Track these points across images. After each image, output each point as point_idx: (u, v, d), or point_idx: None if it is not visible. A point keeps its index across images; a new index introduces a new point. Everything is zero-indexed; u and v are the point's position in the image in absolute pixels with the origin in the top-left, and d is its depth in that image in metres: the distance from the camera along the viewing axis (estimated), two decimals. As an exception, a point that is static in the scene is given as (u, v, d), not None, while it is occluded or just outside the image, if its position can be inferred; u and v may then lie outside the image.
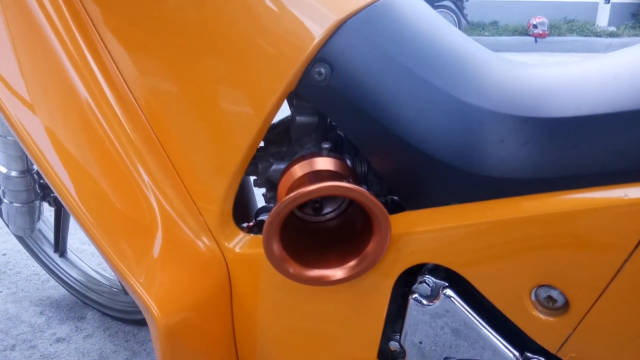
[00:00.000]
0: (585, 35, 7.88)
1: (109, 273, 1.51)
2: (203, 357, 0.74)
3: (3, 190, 1.11)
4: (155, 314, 0.65)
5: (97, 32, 0.69)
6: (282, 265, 0.59)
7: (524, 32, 7.97)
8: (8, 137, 1.01)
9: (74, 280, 1.46)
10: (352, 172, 0.65)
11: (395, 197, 0.68)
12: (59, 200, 1.18)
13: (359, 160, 0.68)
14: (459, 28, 7.45)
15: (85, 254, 1.72)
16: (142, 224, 0.69)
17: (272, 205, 0.76)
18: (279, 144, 0.73)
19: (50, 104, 0.68)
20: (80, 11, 0.69)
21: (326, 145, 0.64)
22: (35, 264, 1.67)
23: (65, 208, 0.67)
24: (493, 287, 0.56)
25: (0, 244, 1.83)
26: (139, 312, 1.33)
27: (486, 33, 8.27)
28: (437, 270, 0.61)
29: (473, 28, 8.37)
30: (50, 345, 1.33)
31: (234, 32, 0.61)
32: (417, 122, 0.58)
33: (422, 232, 0.59)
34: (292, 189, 0.63)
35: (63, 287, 1.50)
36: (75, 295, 1.48)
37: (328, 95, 0.60)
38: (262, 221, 0.83)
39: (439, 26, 0.67)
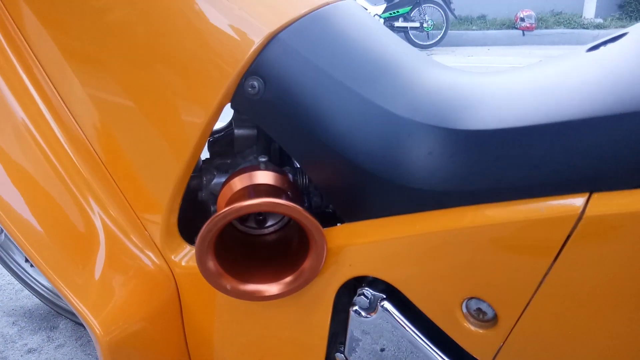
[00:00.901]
0: (573, 28, 7.89)
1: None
2: None
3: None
4: (98, 332, 0.64)
5: (28, 44, 0.68)
6: (217, 280, 0.59)
7: (512, 25, 7.98)
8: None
9: (45, 290, 1.45)
10: (291, 184, 0.65)
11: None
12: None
13: (300, 171, 0.68)
14: (447, 23, 7.46)
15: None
16: (82, 240, 0.68)
17: (212, 211, 0.76)
18: (223, 156, 0.73)
19: None
20: (9, 25, 0.68)
21: (263, 159, 0.64)
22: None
23: (4, 228, 0.66)
24: (426, 299, 0.57)
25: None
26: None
27: (474, 27, 8.27)
28: (377, 283, 0.61)
29: (461, 22, 8.37)
30: (21, 356, 1.33)
31: (171, 45, 0.61)
32: (349, 135, 0.58)
33: (358, 244, 0.59)
34: (230, 202, 0.63)
35: (35, 296, 1.49)
36: (47, 305, 1.47)
37: (262, 109, 0.60)
38: None
39: (375, 35, 0.67)
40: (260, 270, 0.63)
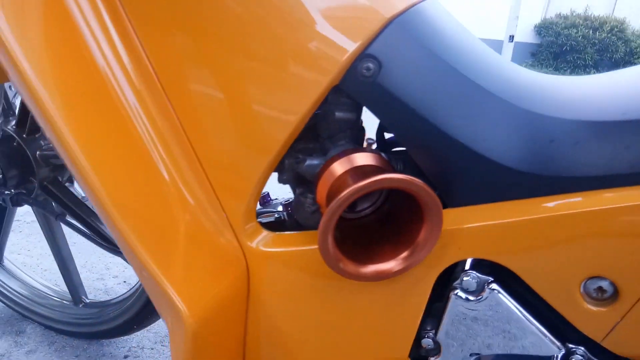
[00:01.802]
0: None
1: (54, 285, 1.39)
2: (219, 357, 0.70)
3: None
4: (184, 312, 0.60)
5: (129, 19, 0.65)
6: (336, 265, 0.58)
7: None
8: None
9: (14, 293, 1.32)
10: (392, 168, 0.65)
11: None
12: (8, 203, 1.07)
13: (395, 158, 0.68)
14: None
15: (21, 262, 1.57)
16: (167, 217, 0.64)
17: (296, 193, 0.73)
18: (305, 140, 0.71)
19: (78, 92, 0.63)
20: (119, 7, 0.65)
21: (370, 141, 0.63)
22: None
23: (90, 198, 0.61)
24: (543, 280, 0.58)
25: None
26: (92, 324, 1.23)
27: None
28: (480, 265, 0.62)
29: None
30: (-13, 362, 1.19)
31: (282, 24, 0.60)
32: (465, 121, 0.59)
33: (471, 228, 0.60)
34: (334, 188, 0.62)
35: (2, 300, 1.35)
36: (13, 309, 1.33)
37: (374, 92, 0.60)
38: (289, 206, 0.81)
39: (471, 35, 0.70)
40: (369, 252, 0.63)
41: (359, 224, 0.69)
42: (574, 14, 13.27)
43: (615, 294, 0.56)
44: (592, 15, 13.12)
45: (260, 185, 0.66)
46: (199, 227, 0.66)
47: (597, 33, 12.51)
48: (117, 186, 0.61)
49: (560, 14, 13.45)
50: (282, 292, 0.69)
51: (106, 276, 1.58)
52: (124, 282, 1.56)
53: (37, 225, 1.89)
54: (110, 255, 1.71)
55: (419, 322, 0.65)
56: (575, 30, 12.51)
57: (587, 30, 12.57)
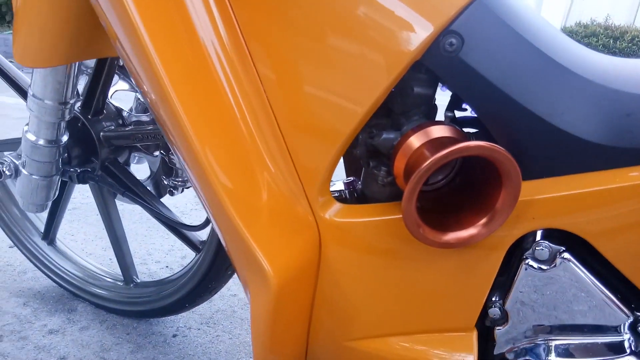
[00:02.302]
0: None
1: (106, 266, 1.43)
2: (293, 320, 0.73)
3: (23, 162, 1.04)
4: (269, 272, 0.63)
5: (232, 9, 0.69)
6: (420, 232, 0.61)
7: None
8: (46, 101, 0.95)
9: (68, 273, 1.37)
10: (467, 138, 0.68)
11: None
12: (75, 180, 1.11)
13: (467, 134, 0.71)
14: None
15: (73, 243, 1.61)
16: (251, 179, 0.68)
17: (369, 167, 0.76)
18: (378, 116, 0.74)
19: (182, 57, 0.67)
20: None
21: (450, 114, 0.66)
22: (8, 254, 1.55)
23: (185, 155, 0.65)
24: (617, 250, 0.61)
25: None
26: (143, 303, 1.27)
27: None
28: (550, 237, 0.65)
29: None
30: (43, 336, 1.23)
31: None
32: (544, 96, 0.62)
33: (546, 198, 0.62)
34: (411, 162, 0.65)
35: (52, 278, 1.39)
36: (67, 288, 1.38)
37: (456, 67, 0.62)
38: (351, 184, 0.84)
39: (541, 17, 0.72)
40: (445, 222, 0.65)
41: (431, 196, 0.72)
42: (594, 23, 13.22)
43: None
44: (613, 25, 13.05)
45: (336, 158, 0.69)
46: (279, 193, 0.70)
47: (618, 42, 12.45)
48: (212, 146, 0.64)
49: (580, 23, 13.40)
50: (351, 261, 0.72)
51: (149, 261, 1.63)
52: (167, 267, 1.60)
53: (79, 212, 1.95)
54: (151, 241, 1.75)
55: (487, 291, 0.68)
56: (595, 39, 12.46)
57: (607, 40, 12.51)
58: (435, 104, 0.75)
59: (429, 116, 0.73)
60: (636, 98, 0.60)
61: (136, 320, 1.32)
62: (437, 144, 0.65)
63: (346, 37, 0.64)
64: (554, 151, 0.63)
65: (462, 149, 0.58)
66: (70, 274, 1.37)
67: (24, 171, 1.04)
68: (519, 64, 0.63)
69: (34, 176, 1.04)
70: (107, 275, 1.37)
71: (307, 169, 0.71)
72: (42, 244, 1.40)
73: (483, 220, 0.62)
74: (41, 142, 1.00)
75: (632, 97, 0.61)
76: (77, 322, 1.30)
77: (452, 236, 0.62)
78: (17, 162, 1.05)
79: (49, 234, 1.39)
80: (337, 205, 0.73)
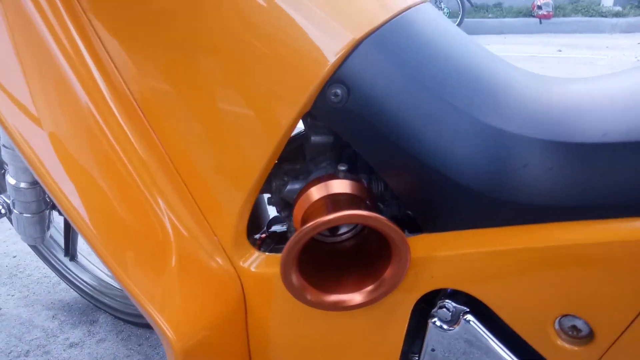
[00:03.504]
0: (591, 16, 7.79)
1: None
2: None
3: (13, 201, 1.11)
4: (171, 337, 0.64)
5: (101, 40, 0.68)
6: (300, 293, 0.59)
7: (529, 13, 7.88)
8: (16, 150, 1.00)
9: (86, 285, 1.46)
10: (369, 192, 0.64)
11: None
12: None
13: (376, 179, 0.67)
14: (463, 11, 7.38)
15: (94, 257, 1.72)
16: (153, 242, 0.68)
17: (282, 216, 0.75)
18: (292, 161, 0.72)
19: (53, 114, 0.67)
20: (82, 20, 0.68)
21: (342, 168, 0.63)
22: (46, 266, 1.68)
23: (72, 225, 0.66)
24: (515, 314, 0.56)
25: (10, 245, 1.83)
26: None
27: (490, 15, 8.18)
28: (457, 295, 0.61)
29: (477, 10, 8.28)
30: (64, 350, 1.34)
31: (252, 50, 0.60)
32: (438, 145, 0.57)
33: (443, 256, 0.58)
34: (308, 213, 0.62)
35: (75, 291, 1.50)
36: (87, 299, 1.48)
37: (344, 117, 0.59)
38: (275, 233, 0.83)
39: (459, 41, 0.65)
40: (339, 279, 0.63)
41: (339, 247, 0.69)
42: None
43: (591, 334, 0.52)
44: None
45: (247, 206, 0.68)
46: (190, 254, 0.70)
47: None
48: (100, 213, 0.65)
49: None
50: (275, 311, 0.72)
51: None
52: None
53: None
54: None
55: (399, 348, 0.65)
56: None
57: None
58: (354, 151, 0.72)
59: (342, 161, 0.70)
60: (534, 144, 0.54)
61: (149, 331, 1.40)
62: (333, 201, 0.62)
63: (239, 91, 0.62)
64: (452, 204, 0.58)
65: (342, 218, 0.55)
66: (89, 287, 1.46)
67: (15, 210, 1.11)
68: (410, 112, 0.58)
69: (24, 214, 1.11)
70: (119, 287, 1.45)
71: (219, 223, 0.71)
72: (65, 260, 1.50)
73: (369, 288, 0.59)
74: (22, 185, 1.06)
75: (531, 143, 0.54)
76: (96, 334, 1.40)
77: (332, 299, 0.60)
78: (8, 202, 1.13)
79: (69, 250, 1.48)
80: (256, 255, 0.72)
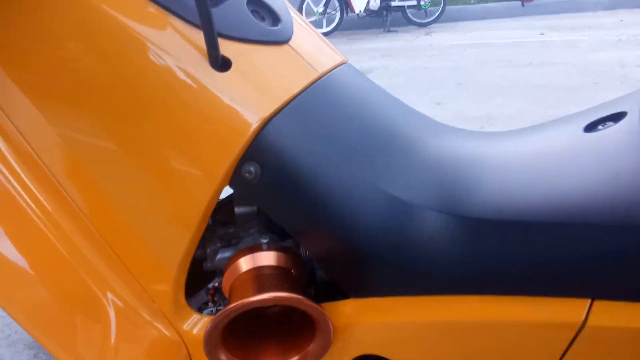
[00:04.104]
0: (573, -5, 7.76)
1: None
2: None
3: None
4: None
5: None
6: None
7: (511, -4, 7.85)
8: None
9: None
10: (295, 261, 0.66)
11: None
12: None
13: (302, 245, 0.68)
14: (444, -1, 7.35)
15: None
16: (90, 320, 0.69)
17: (217, 281, 0.76)
18: (225, 224, 0.73)
19: None
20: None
21: (265, 240, 0.64)
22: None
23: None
24: None
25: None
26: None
27: (472, 1, 8.15)
28: None
29: (459, -4, 8.24)
30: (44, 392, 1.36)
31: (170, 128, 0.61)
32: (350, 217, 0.58)
33: (367, 323, 0.60)
34: (234, 285, 0.64)
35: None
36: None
37: (261, 192, 0.60)
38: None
39: (375, 105, 0.67)
40: (265, 347, 0.64)
41: (266, 312, 0.70)
42: None
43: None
44: None
45: (182, 272, 0.69)
46: (128, 325, 0.71)
47: None
48: (34, 304, 0.66)
49: None
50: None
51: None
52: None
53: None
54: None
55: None
56: None
57: None
58: None
59: (274, 229, 0.71)
60: (439, 218, 0.55)
61: None
62: (257, 275, 0.64)
63: (161, 160, 0.62)
64: (369, 272, 0.60)
65: (264, 301, 0.56)
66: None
67: None
68: (323, 186, 0.59)
69: None
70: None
71: (156, 290, 0.72)
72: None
73: (294, 359, 0.60)
74: None
75: (436, 216, 0.55)
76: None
77: None
78: None
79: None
80: (195, 317, 0.73)
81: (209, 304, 0.78)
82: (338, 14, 7.47)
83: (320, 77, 0.65)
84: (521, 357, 0.50)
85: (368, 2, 7.31)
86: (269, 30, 0.63)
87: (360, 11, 7.43)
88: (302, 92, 0.62)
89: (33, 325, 0.65)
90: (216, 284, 0.84)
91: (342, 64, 0.70)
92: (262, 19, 0.64)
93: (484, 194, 0.55)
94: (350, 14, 7.58)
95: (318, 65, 0.66)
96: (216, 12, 0.56)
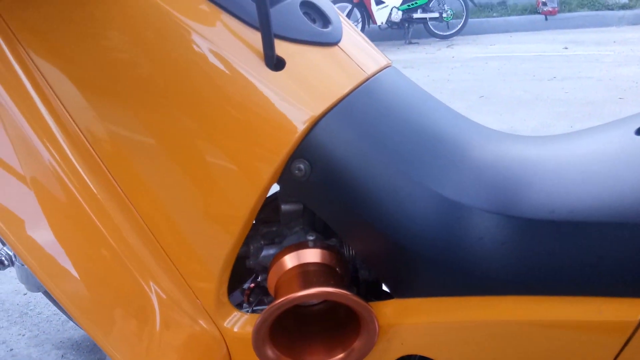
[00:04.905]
0: (597, 10, 7.71)
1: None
2: None
3: (14, 253, 1.15)
4: None
5: (59, 99, 0.66)
6: None
7: (534, 10, 7.83)
8: None
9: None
10: (340, 259, 0.66)
11: None
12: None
13: (347, 243, 0.69)
14: (467, 11, 7.35)
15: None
16: (137, 312, 0.70)
17: (260, 280, 0.77)
18: (269, 223, 0.74)
19: (21, 180, 0.66)
20: (30, 67, 0.65)
21: (311, 237, 0.65)
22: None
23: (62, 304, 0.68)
24: None
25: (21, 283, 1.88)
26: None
27: (494, 14, 8.14)
28: None
29: (481, 10, 8.24)
30: (73, 391, 1.38)
31: (219, 128, 0.62)
32: (397, 216, 0.59)
33: (412, 323, 0.60)
34: (280, 282, 0.64)
35: (83, 329, 1.54)
36: (94, 338, 1.52)
37: (309, 190, 0.61)
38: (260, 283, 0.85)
39: (422, 106, 0.67)
40: (311, 345, 0.65)
41: (312, 310, 0.71)
42: None
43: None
44: None
45: (226, 270, 0.70)
46: (172, 318, 0.72)
47: None
48: (82, 287, 0.67)
49: None
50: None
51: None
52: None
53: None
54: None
55: None
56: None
57: None
58: None
59: (318, 229, 0.72)
60: (488, 218, 0.55)
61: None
62: (303, 272, 0.64)
63: (212, 155, 0.63)
64: (413, 272, 0.60)
65: (310, 296, 0.57)
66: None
67: (17, 262, 1.15)
68: (371, 185, 0.60)
69: (24, 266, 1.15)
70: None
71: (200, 286, 0.73)
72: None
73: (339, 356, 0.61)
74: (21, 238, 1.10)
75: (485, 216, 0.56)
76: (104, 373, 1.43)
77: None
78: (11, 253, 1.17)
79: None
80: (236, 315, 0.74)
81: (244, 304, 0.79)
82: (360, 25, 7.50)
83: (368, 79, 0.66)
84: (573, 358, 0.50)
85: (390, 14, 7.34)
86: (320, 31, 0.64)
87: (382, 23, 7.46)
88: (352, 92, 0.63)
89: (80, 312, 0.66)
90: (252, 285, 0.85)
91: (388, 67, 0.71)
92: (314, 20, 0.65)
93: (535, 195, 0.55)
94: (372, 25, 7.61)
95: (366, 67, 0.67)
96: (272, 13, 0.57)
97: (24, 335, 1.61)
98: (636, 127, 0.59)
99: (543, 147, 0.64)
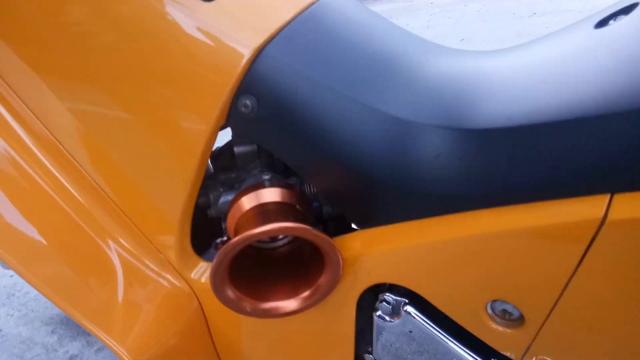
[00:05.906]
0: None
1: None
2: None
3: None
4: (125, 357, 0.65)
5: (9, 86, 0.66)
6: (237, 305, 0.59)
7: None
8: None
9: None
10: (300, 197, 0.63)
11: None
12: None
13: (306, 180, 0.66)
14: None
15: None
16: (99, 273, 0.68)
17: (223, 227, 0.75)
18: (227, 170, 0.71)
19: None
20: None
21: (266, 177, 0.62)
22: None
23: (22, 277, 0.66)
24: (449, 303, 0.55)
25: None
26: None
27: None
28: (398, 287, 0.60)
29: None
30: (65, 364, 1.37)
31: (162, 68, 0.58)
32: (351, 143, 0.56)
33: (374, 252, 0.58)
34: (239, 224, 0.62)
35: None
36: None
37: (259, 126, 0.57)
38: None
39: (368, 28, 0.63)
40: (276, 286, 0.63)
41: (277, 253, 0.68)
42: None
43: (521, 317, 0.52)
44: None
45: (186, 220, 0.67)
46: (136, 277, 0.70)
47: None
48: (36, 253, 0.65)
49: None
50: (230, 319, 0.72)
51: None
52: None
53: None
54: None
55: (352, 343, 0.65)
56: None
57: None
58: None
59: (277, 169, 0.69)
60: (442, 134, 0.52)
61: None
62: (262, 211, 0.61)
63: (156, 109, 0.61)
64: (374, 200, 0.57)
65: (270, 231, 0.54)
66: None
67: None
68: (320, 113, 0.57)
69: None
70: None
71: (162, 241, 0.71)
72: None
73: (304, 294, 0.59)
74: None
75: (440, 132, 0.52)
76: (94, 344, 1.42)
77: (268, 306, 0.60)
78: None
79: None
80: (204, 265, 0.72)
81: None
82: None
83: (312, 4, 0.61)
84: (540, 262, 0.48)
85: (364, -35, 7.15)
86: None
87: (357, -25, 7.26)
88: (295, 19, 0.59)
89: (42, 283, 0.64)
90: (225, 238, 0.82)
91: None
92: None
93: (491, 104, 0.51)
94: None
95: None
96: None
97: (12, 315, 1.59)
98: (595, 22, 0.55)
99: (501, 58, 0.61)
